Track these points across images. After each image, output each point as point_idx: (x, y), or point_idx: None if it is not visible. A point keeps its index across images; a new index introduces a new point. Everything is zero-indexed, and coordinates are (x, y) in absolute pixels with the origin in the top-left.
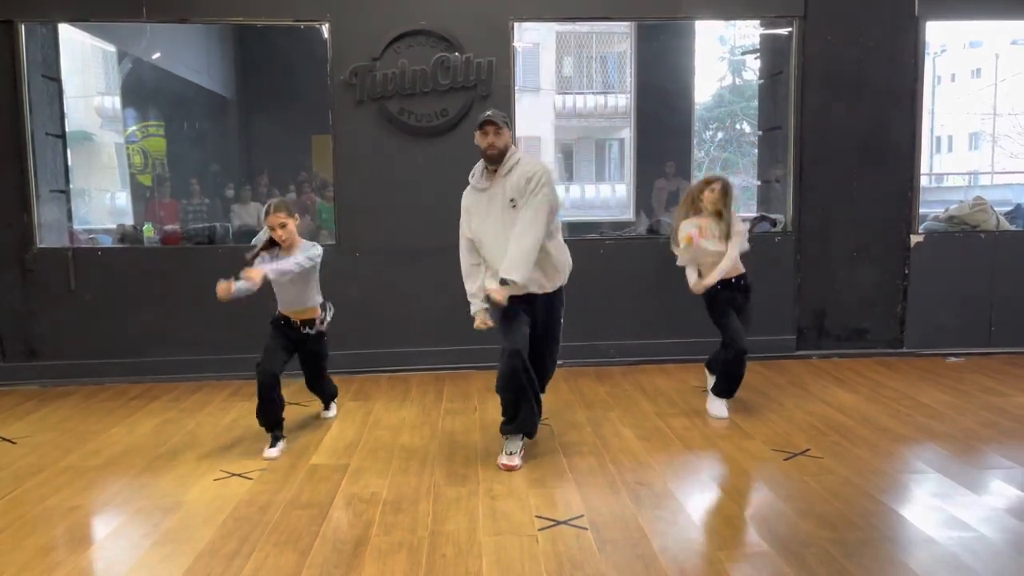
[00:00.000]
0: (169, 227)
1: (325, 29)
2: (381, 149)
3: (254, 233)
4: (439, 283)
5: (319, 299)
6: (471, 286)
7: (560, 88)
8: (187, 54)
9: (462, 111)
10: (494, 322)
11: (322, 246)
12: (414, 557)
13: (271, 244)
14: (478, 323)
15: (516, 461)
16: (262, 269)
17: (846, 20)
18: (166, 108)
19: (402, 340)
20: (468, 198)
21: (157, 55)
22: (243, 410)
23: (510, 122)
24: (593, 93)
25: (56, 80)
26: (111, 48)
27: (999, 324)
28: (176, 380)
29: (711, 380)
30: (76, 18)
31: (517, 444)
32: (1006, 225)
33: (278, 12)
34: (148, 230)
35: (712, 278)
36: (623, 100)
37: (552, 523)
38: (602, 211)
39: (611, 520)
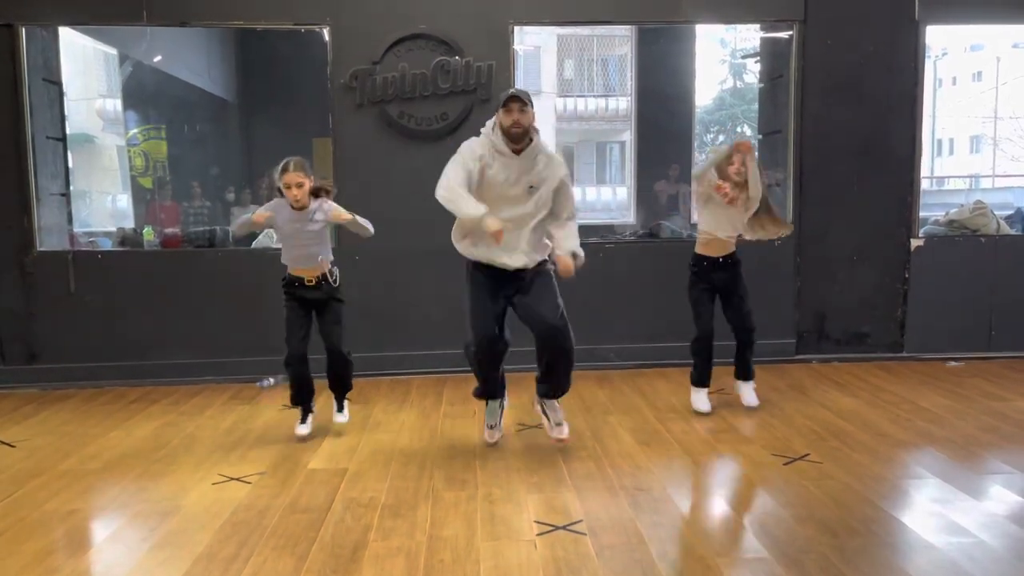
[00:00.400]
0: (169, 230)
1: (325, 32)
2: (381, 152)
3: (254, 236)
4: (439, 286)
5: (330, 254)
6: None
7: (561, 91)
8: (188, 57)
9: (462, 115)
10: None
11: None
12: (412, 562)
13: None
14: (495, 225)
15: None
16: (350, 215)
17: (846, 24)
18: (167, 111)
19: (402, 343)
20: (487, 156)
21: (158, 58)
22: (242, 414)
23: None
24: (594, 96)
25: (57, 83)
26: (112, 51)
27: (999, 328)
28: (175, 384)
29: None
30: (76, 21)
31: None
32: (1006, 229)
33: (278, 15)
34: (148, 233)
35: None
36: (624, 103)
37: (550, 528)
38: (603, 214)
39: (609, 525)
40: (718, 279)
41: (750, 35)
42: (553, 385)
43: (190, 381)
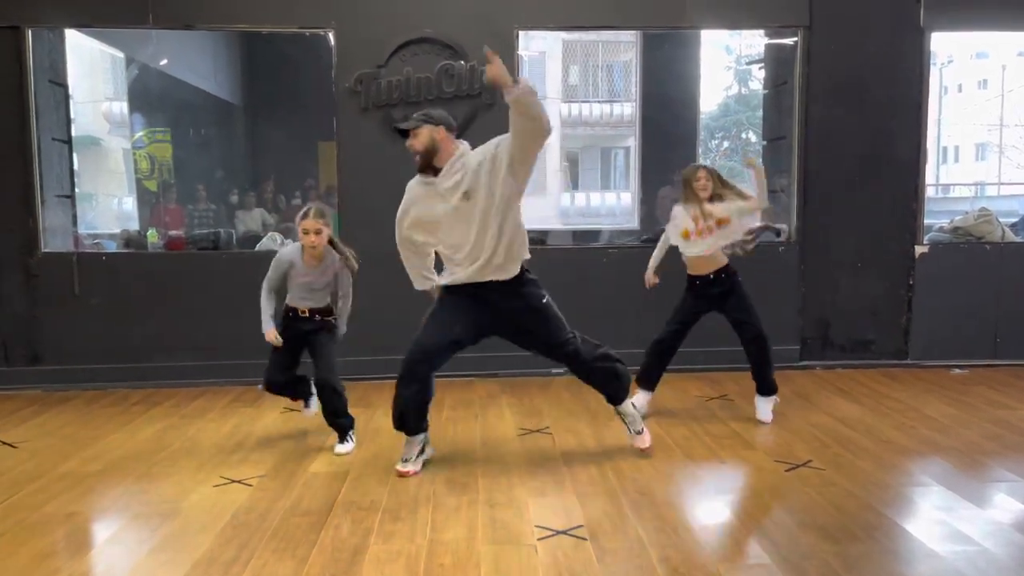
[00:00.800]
0: (174, 232)
1: (331, 36)
2: (385, 156)
3: (258, 239)
4: None
5: (328, 299)
6: (421, 273)
7: (566, 96)
8: (194, 60)
9: (467, 119)
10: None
11: None
12: (412, 566)
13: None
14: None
15: (411, 467)
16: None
17: (851, 30)
18: (173, 114)
19: (404, 347)
20: (413, 190)
21: (164, 61)
22: (244, 416)
23: (436, 116)
24: (599, 102)
25: (63, 85)
26: (119, 54)
27: (1004, 336)
28: (178, 386)
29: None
30: (83, 24)
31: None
32: (1011, 237)
33: (284, 19)
34: (152, 235)
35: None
36: (628, 109)
37: (551, 533)
38: (607, 219)
39: (611, 530)
40: (713, 296)
41: (755, 41)
42: (607, 394)
43: (192, 384)
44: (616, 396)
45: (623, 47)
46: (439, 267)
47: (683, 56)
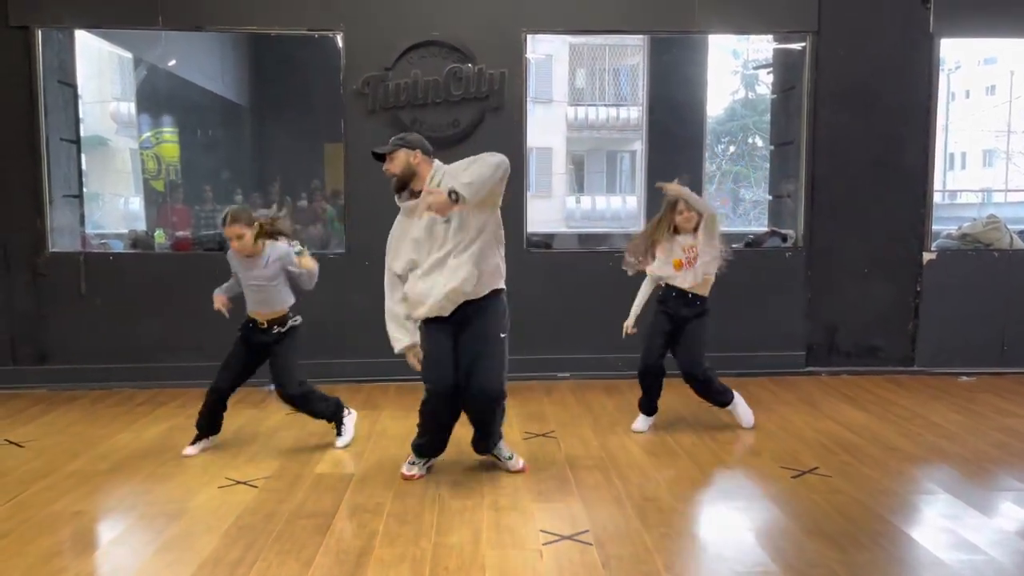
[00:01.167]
0: (180, 233)
1: (339, 39)
2: None
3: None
4: None
5: (291, 299)
6: (398, 320)
7: (572, 100)
8: (202, 61)
9: (474, 122)
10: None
11: (332, 254)
12: (417, 569)
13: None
14: (415, 364)
15: (416, 471)
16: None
17: (860, 36)
18: (180, 115)
19: None
20: (397, 228)
21: (172, 62)
22: (249, 417)
23: (411, 141)
24: (605, 105)
25: (72, 86)
26: (127, 54)
27: (1012, 344)
28: (183, 386)
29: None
30: (92, 24)
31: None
32: (1020, 244)
33: (292, 21)
34: (160, 236)
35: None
36: (635, 113)
37: (557, 538)
38: (612, 223)
39: (616, 536)
40: (681, 317)
41: (762, 46)
42: (484, 442)
43: (198, 384)
44: (490, 445)
45: (630, 51)
46: None
47: (690, 60)
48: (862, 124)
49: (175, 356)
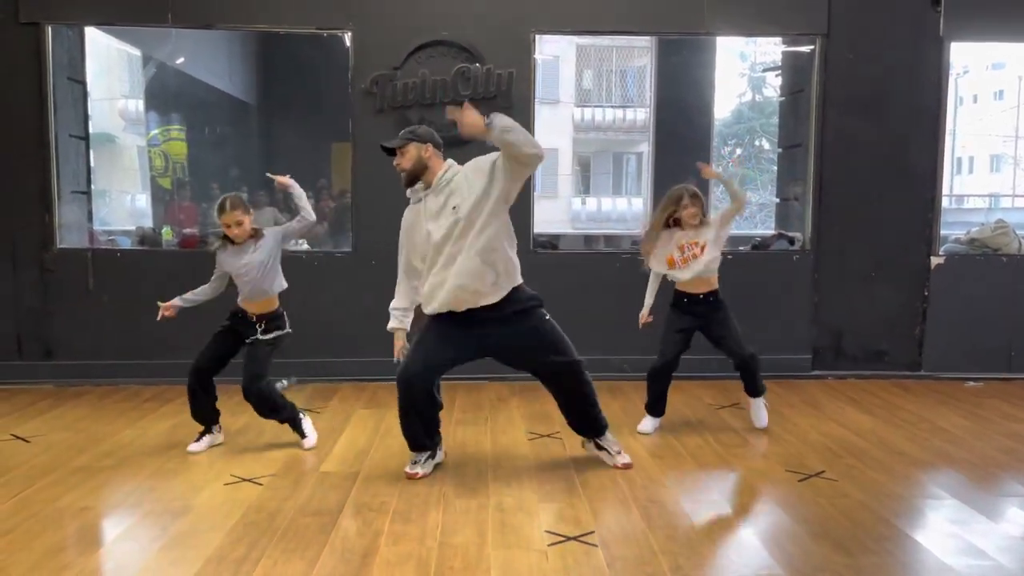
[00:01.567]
0: (188, 230)
1: (347, 38)
2: None
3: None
4: None
5: (283, 284)
6: (399, 300)
7: (579, 101)
8: (210, 60)
9: None
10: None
11: (339, 253)
12: (422, 568)
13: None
14: (397, 349)
15: (419, 470)
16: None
17: (869, 39)
18: (188, 112)
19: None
20: (406, 219)
21: (181, 60)
22: (255, 415)
23: (422, 134)
24: (612, 107)
25: (81, 82)
26: (136, 52)
27: (1020, 349)
28: None
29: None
30: (102, 21)
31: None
32: None
33: (301, 20)
34: (167, 233)
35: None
36: (642, 114)
37: (562, 539)
38: (618, 224)
39: (621, 537)
40: (698, 314)
41: (771, 48)
42: (585, 424)
43: None
44: (597, 428)
45: (637, 52)
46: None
47: (698, 62)
48: (871, 127)
49: (181, 352)
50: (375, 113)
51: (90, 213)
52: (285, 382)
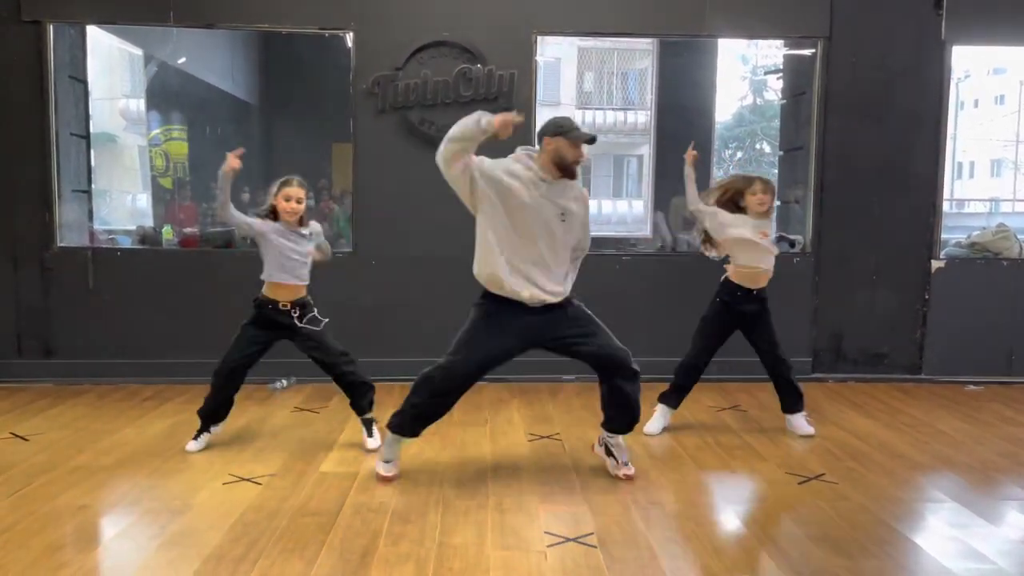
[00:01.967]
0: (188, 230)
1: (349, 38)
2: (401, 159)
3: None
4: (454, 293)
5: (308, 277)
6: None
7: (580, 103)
8: (212, 59)
9: None
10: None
11: (339, 253)
12: (421, 569)
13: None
14: (505, 119)
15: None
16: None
17: (871, 42)
18: (189, 112)
19: (416, 349)
20: (521, 175)
21: (182, 60)
22: (255, 414)
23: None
24: (613, 109)
25: (83, 81)
26: (138, 51)
27: (1020, 353)
28: (189, 383)
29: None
30: (104, 20)
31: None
32: None
33: (303, 20)
34: (167, 232)
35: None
36: (643, 117)
37: (561, 540)
38: (619, 227)
39: (621, 539)
40: (747, 312)
41: (771, 52)
42: (621, 422)
43: (204, 380)
44: (635, 422)
45: (638, 55)
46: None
47: (699, 65)
48: (872, 131)
49: (181, 352)
50: (376, 114)
51: (90, 212)
52: (284, 382)
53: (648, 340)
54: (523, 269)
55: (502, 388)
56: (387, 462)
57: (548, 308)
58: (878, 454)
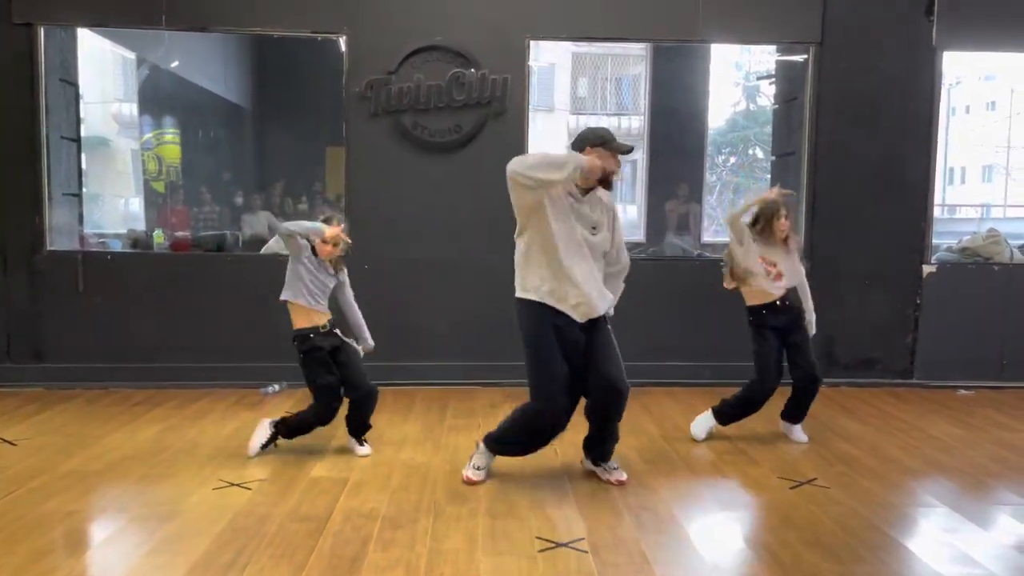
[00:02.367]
0: (179, 234)
1: (342, 42)
2: (394, 163)
3: (263, 242)
4: (448, 298)
5: None
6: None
7: (574, 109)
8: (205, 63)
9: (476, 127)
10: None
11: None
12: (411, 575)
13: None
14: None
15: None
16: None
17: (863, 48)
18: (182, 116)
19: (408, 354)
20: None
21: (175, 63)
22: (246, 420)
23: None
24: (607, 114)
25: (73, 84)
26: (131, 55)
27: (1011, 358)
28: (180, 387)
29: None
30: (95, 23)
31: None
32: (1020, 258)
33: (296, 23)
34: (159, 236)
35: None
36: (636, 122)
37: (552, 545)
38: None
39: (613, 544)
40: (781, 324)
41: (764, 58)
42: (607, 449)
43: (194, 385)
44: (612, 451)
45: (632, 61)
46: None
47: (692, 70)
48: (864, 136)
49: (172, 356)
50: (369, 117)
51: (81, 216)
52: (276, 387)
53: (638, 345)
54: (567, 281)
55: (495, 392)
56: (479, 468)
57: (592, 322)
58: (870, 459)
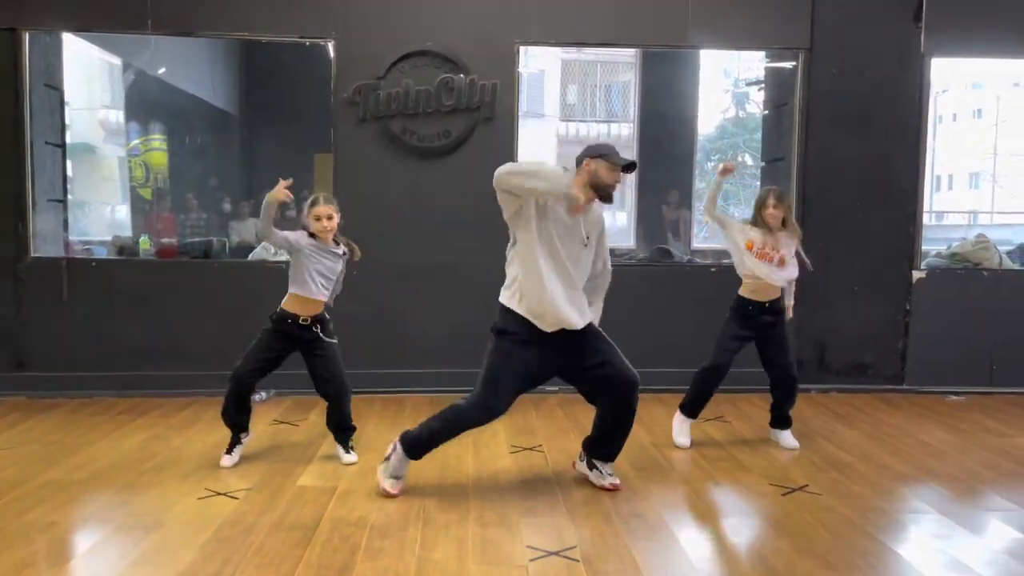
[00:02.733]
0: (165, 240)
1: (330, 47)
2: (382, 168)
3: (251, 249)
4: (437, 304)
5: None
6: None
7: (564, 115)
8: (192, 69)
9: (465, 133)
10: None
11: None
12: None
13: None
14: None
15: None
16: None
17: (852, 54)
18: (169, 122)
19: (398, 361)
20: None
21: (162, 69)
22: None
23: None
24: (596, 121)
25: (58, 89)
26: (117, 61)
27: (1000, 364)
28: (165, 396)
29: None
30: (80, 28)
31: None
32: (1009, 264)
33: (284, 29)
34: (144, 242)
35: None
36: (626, 129)
37: (543, 554)
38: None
39: (604, 552)
40: (762, 324)
41: (754, 64)
42: (618, 446)
43: (180, 393)
44: (619, 450)
45: (621, 67)
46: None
47: (682, 77)
48: (853, 142)
49: (157, 365)
50: (357, 123)
51: (65, 222)
52: (264, 395)
53: (629, 351)
54: (551, 294)
55: None
56: (396, 478)
57: (568, 334)
58: (861, 465)
